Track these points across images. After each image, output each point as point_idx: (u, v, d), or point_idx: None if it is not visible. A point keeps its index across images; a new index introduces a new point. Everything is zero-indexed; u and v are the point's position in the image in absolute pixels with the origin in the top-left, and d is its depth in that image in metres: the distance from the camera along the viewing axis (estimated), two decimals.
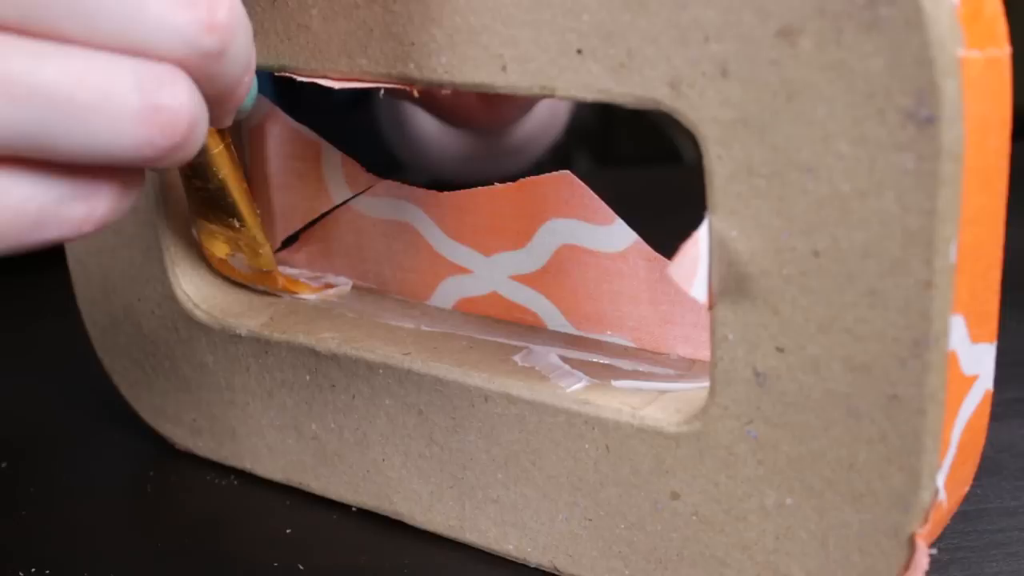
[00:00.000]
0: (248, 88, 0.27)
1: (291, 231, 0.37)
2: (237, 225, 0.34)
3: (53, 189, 0.24)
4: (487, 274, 0.34)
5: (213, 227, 0.35)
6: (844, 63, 0.23)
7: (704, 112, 0.25)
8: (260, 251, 0.35)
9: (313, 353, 0.34)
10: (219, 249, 0.36)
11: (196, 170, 0.33)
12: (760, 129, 0.24)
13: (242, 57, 0.26)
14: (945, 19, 0.22)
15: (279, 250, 0.38)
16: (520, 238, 0.33)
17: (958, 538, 0.32)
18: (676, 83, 0.25)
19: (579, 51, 0.26)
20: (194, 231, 0.36)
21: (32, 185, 0.24)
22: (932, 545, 0.26)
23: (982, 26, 0.23)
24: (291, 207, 0.37)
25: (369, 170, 0.36)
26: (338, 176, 0.36)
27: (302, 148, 0.36)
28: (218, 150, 0.33)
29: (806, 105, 0.23)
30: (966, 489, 0.27)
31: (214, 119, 0.27)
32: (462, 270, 0.35)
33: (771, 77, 0.24)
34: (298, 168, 0.36)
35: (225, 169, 0.33)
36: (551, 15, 0.26)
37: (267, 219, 0.38)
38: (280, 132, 0.36)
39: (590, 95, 0.26)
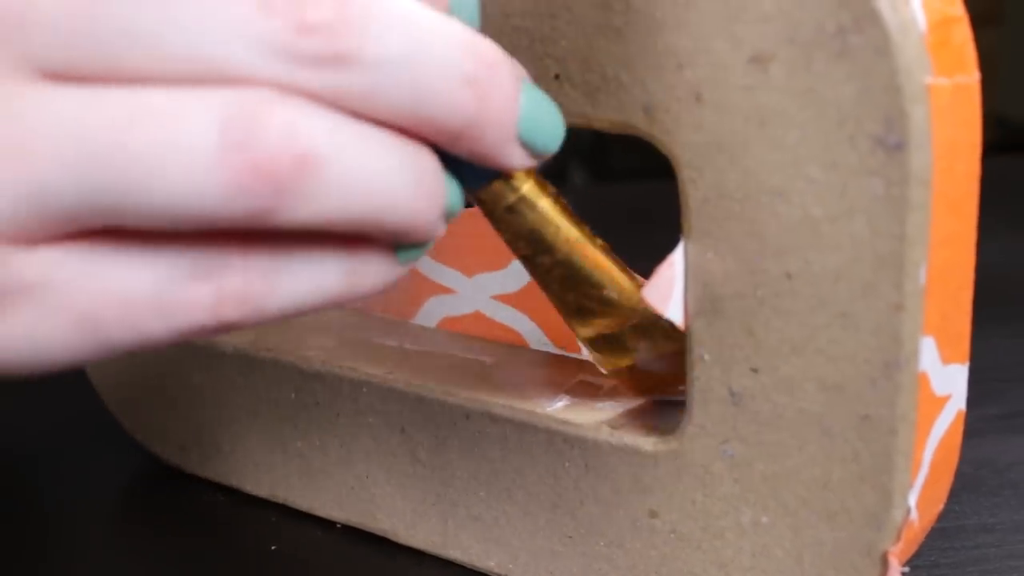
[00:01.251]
0: (503, 101, 0.21)
1: None
2: (614, 296, 0.27)
3: (163, 266, 0.19)
4: (470, 294, 0.35)
5: (594, 321, 0.27)
6: (815, 90, 0.23)
7: (678, 136, 0.25)
8: (659, 322, 0.27)
9: (298, 371, 0.34)
10: (617, 356, 0.28)
11: (531, 241, 0.26)
12: (733, 154, 0.25)
13: (417, 60, 0.20)
14: (913, 47, 0.22)
15: None
16: (501, 259, 0.33)
17: (936, 555, 0.32)
18: (650, 108, 0.25)
19: (556, 76, 0.26)
20: (583, 346, 0.29)
21: (135, 264, 0.19)
22: (909, 562, 0.26)
23: (950, 54, 0.23)
24: None
25: None
26: None
27: None
28: (543, 203, 0.25)
29: (778, 130, 0.24)
30: (940, 507, 0.28)
31: (465, 148, 0.21)
32: (446, 290, 0.35)
33: (743, 103, 0.24)
34: None
35: (564, 228, 0.26)
36: (529, 41, 0.27)
37: None
38: None
39: (568, 119, 0.27)
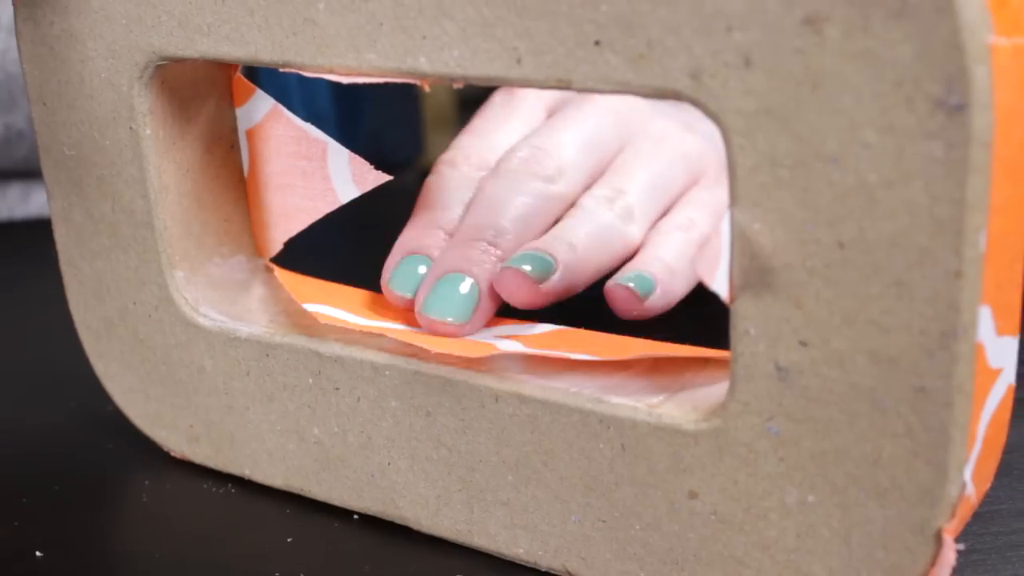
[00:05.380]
0: None
1: (292, 232, 0.37)
2: None
3: None
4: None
5: None
6: (871, 51, 0.22)
7: (726, 103, 0.24)
8: None
9: (316, 355, 0.33)
10: None
11: None
12: (784, 119, 0.24)
13: None
14: (975, 5, 0.22)
15: (280, 253, 0.38)
16: None
17: (972, 540, 0.31)
18: (698, 74, 0.25)
19: (597, 42, 0.26)
20: None
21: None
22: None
23: (1009, 13, 0.23)
24: (294, 208, 0.36)
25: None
26: (345, 174, 0.35)
27: (307, 147, 0.35)
28: None
29: (832, 94, 0.23)
30: (988, 485, 0.27)
31: None
32: None
33: (796, 66, 0.23)
34: (303, 167, 0.36)
35: None
36: (568, 6, 0.26)
37: (262, 222, 0.37)
38: (283, 131, 0.36)
39: (608, 87, 0.26)
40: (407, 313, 0.35)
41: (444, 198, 0.39)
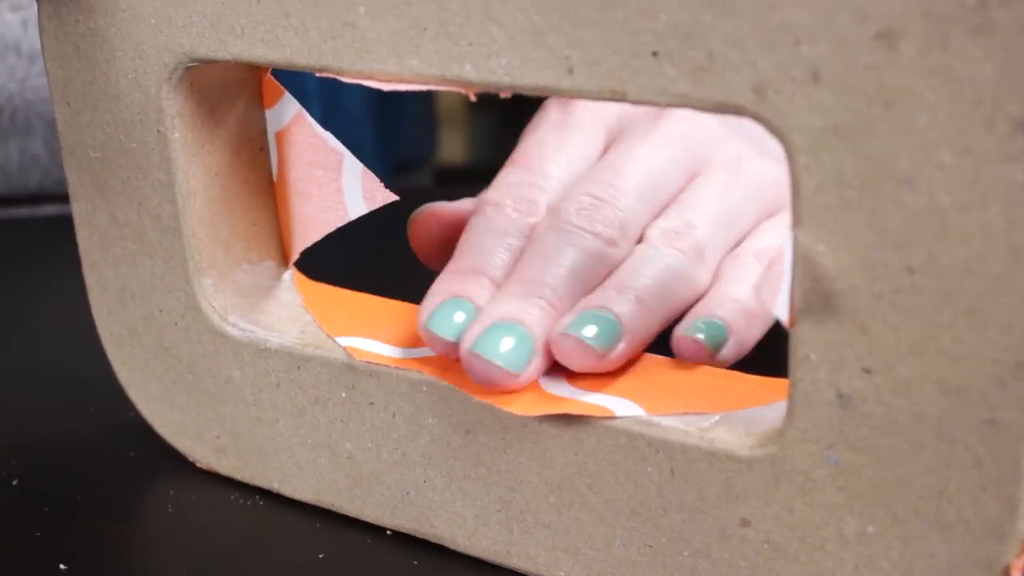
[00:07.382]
0: None
1: (308, 243, 0.35)
2: None
3: None
4: None
5: None
6: (949, 69, 0.21)
7: (792, 119, 0.23)
8: None
9: (350, 369, 0.32)
10: None
11: None
12: (853, 138, 0.23)
13: None
14: None
15: (295, 263, 0.36)
16: None
17: None
18: (762, 88, 0.24)
19: (654, 53, 0.25)
20: None
21: None
22: None
23: None
24: (309, 217, 0.35)
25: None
26: (356, 189, 0.34)
27: (325, 156, 0.34)
28: None
29: (905, 113, 0.22)
30: None
31: None
32: None
33: (867, 83, 0.22)
34: (319, 177, 0.35)
35: None
36: (624, 15, 0.25)
37: (288, 227, 0.36)
38: (305, 137, 0.35)
39: (665, 100, 0.25)
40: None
41: (490, 244, 0.35)
